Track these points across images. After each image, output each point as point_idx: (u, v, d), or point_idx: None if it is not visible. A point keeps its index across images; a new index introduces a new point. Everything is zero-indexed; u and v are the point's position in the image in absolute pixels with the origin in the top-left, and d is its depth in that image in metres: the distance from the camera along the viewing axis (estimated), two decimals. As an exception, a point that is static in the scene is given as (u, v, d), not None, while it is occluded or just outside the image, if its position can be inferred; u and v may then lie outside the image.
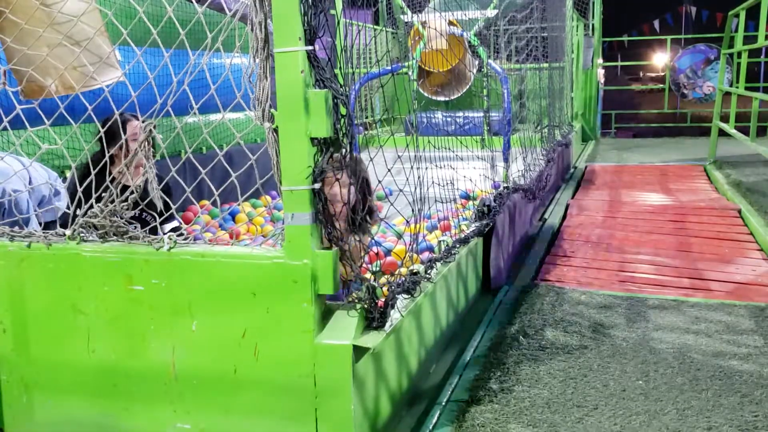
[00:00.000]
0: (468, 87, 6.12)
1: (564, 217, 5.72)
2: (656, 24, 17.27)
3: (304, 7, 1.89)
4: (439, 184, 3.37)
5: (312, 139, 1.95)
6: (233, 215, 5.73)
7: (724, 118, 8.08)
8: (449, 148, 3.77)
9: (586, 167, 8.56)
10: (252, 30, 1.93)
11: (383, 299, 2.20)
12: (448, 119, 6.58)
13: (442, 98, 6.26)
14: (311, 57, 1.93)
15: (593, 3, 11.63)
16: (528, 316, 3.33)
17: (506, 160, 5.13)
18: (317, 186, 1.97)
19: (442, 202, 3.46)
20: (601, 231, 5.19)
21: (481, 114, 6.82)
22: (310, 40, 1.92)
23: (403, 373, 2.48)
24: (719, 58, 10.43)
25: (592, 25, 11.80)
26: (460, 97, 6.21)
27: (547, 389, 2.57)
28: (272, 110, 1.97)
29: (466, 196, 5.41)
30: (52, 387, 2.30)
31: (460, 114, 7.25)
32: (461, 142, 4.02)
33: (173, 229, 2.24)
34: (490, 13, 5.92)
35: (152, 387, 2.19)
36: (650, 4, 19.63)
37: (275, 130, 1.98)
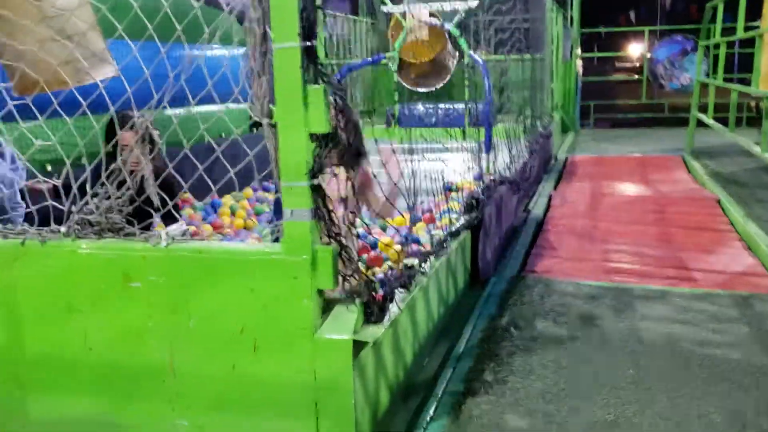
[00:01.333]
0: (448, 78, 6.12)
1: (547, 209, 5.77)
2: (632, 15, 17.42)
3: (302, 3, 1.89)
4: (421, 177, 3.37)
5: (311, 135, 1.95)
6: (216, 208, 5.71)
7: (702, 109, 8.16)
8: (430, 140, 3.77)
9: (566, 158, 8.61)
10: (250, 26, 1.92)
11: (381, 293, 2.21)
12: (429, 110, 6.58)
13: (422, 89, 6.25)
14: (309, 52, 1.93)
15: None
16: (517, 307, 3.36)
17: (488, 151, 5.15)
18: (316, 182, 1.97)
19: (427, 195, 3.47)
20: (584, 222, 5.25)
21: (462, 105, 6.82)
22: (308, 35, 1.92)
23: (400, 366, 2.50)
24: (696, 49, 10.53)
25: (571, 16, 11.85)
26: (441, 88, 6.20)
27: (540, 380, 2.61)
28: (271, 106, 1.97)
29: (449, 188, 5.43)
30: (49, 385, 2.28)
31: (442, 105, 7.25)
32: (446, 132, 4.03)
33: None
34: (472, 3, 5.92)
35: (150, 384, 2.18)
36: (626, -5, 19.81)
37: (274, 126, 1.97)
